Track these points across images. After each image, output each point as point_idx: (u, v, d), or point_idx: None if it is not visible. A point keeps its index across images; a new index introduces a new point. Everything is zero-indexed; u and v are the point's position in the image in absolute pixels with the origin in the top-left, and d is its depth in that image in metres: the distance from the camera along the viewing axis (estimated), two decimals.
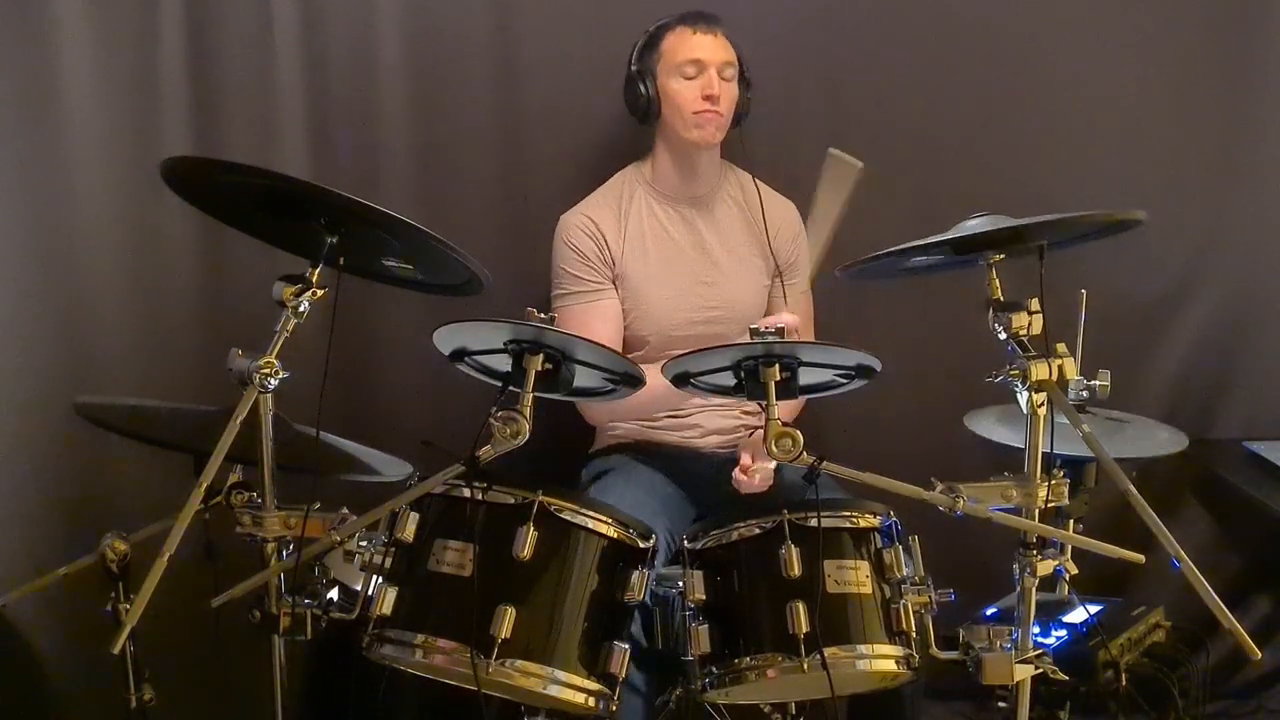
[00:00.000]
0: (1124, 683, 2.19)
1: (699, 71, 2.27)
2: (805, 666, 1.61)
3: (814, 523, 1.67)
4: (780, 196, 2.48)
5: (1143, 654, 2.32)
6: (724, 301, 2.37)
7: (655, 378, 1.69)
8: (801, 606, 1.63)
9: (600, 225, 2.34)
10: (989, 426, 2.23)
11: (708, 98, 2.26)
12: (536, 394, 1.57)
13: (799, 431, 1.57)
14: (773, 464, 2.15)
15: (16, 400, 2.37)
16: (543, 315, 1.58)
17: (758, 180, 2.43)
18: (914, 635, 1.69)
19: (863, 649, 1.66)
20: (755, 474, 2.16)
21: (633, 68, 2.33)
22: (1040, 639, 1.98)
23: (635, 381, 1.67)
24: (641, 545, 1.72)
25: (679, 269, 2.37)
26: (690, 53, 2.27)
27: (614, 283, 2.34)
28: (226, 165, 1.73)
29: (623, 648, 1.66)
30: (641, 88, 2.31)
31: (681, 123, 2.30)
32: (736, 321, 2.29)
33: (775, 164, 2.50)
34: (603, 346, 1.65)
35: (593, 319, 2.30)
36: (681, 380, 1.71)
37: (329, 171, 2.45)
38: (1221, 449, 2.75)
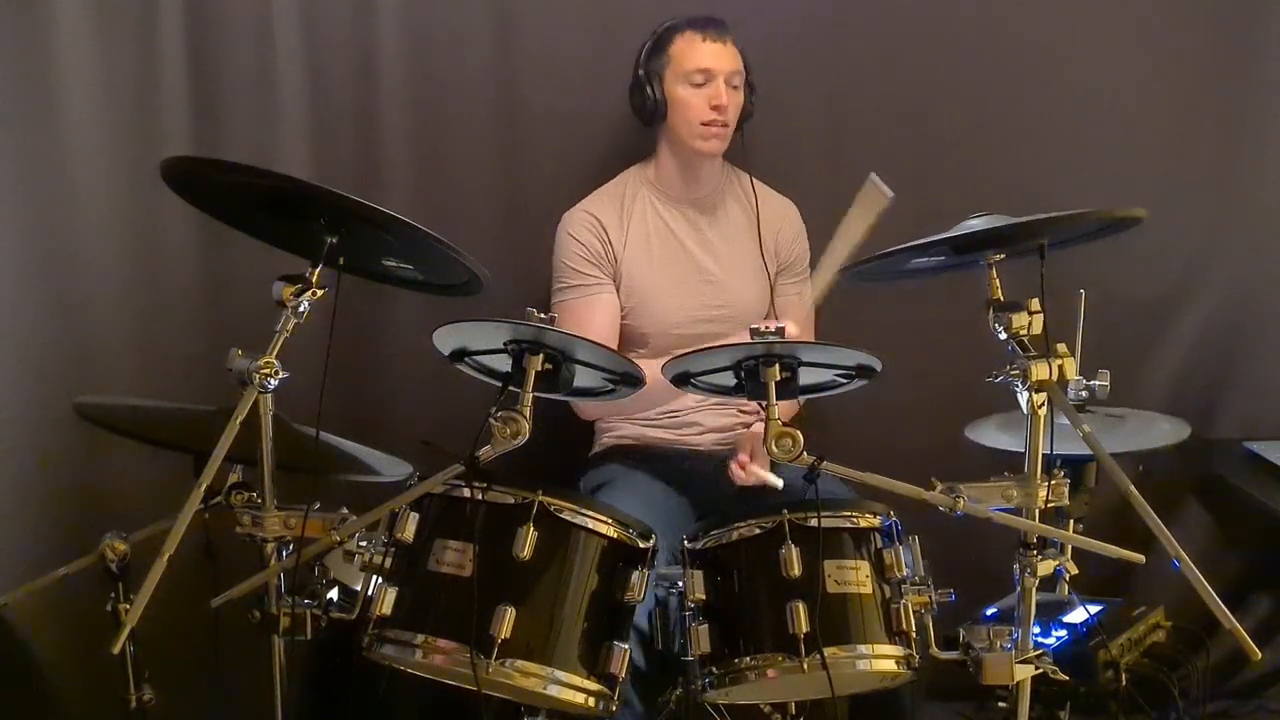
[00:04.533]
0: (1124, 683, 2.20)
1: (707, 80, 2.27)
2: (805, 666, 1.61)
3: (814, 523, 1.67)
4: (780, 196, 2.48)
5: (1143, 654, 2.33)
6: (727, 301, 2.37)
7: (649, 372, 1.69)
8: (802, 606, 1.62)
9: (603, 221, 2.35)
10: (990, 435, 2.23)
11: (715, 108, 2.26)
12: (536, 394, 1.57)
13: (799, 431, 1.57)
14: (768, 475, 2.16)
15: (16, 400, 2.37)
16: (543, 315, 1.58)
17: (755, 180, 2.43)
18: (914, 635, 1.69)
19: (863, 649, 1.66)
20: (750, 474, 2.17)
21: (640, 71, 2.33)
22: (1040, 639, 1.98)
23: (635, 381, 1.67)
24: (641, 545, 1.71)
25: (683, 268, 2.37)
26: (699, 61, 2.27)
27: (614, 278, 2.35)
28: (226, 165, 1.73)
29: (623, 648, 1.66)
30: (649, 91, 2.31)
31: (688, 131, 2.30)
32: (739, 321, 2.29)
33: (776, 164, 2.50)
34: (603, 346, 1.65)
35: (591, 313, 2.30)
36: (682, 380, 1.71)
37: (329, 171, 2.45)
38: (1221, 448, 2.75)
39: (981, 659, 1.70)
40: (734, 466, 2.21)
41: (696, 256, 2.39)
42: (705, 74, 2.27)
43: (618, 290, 2.35)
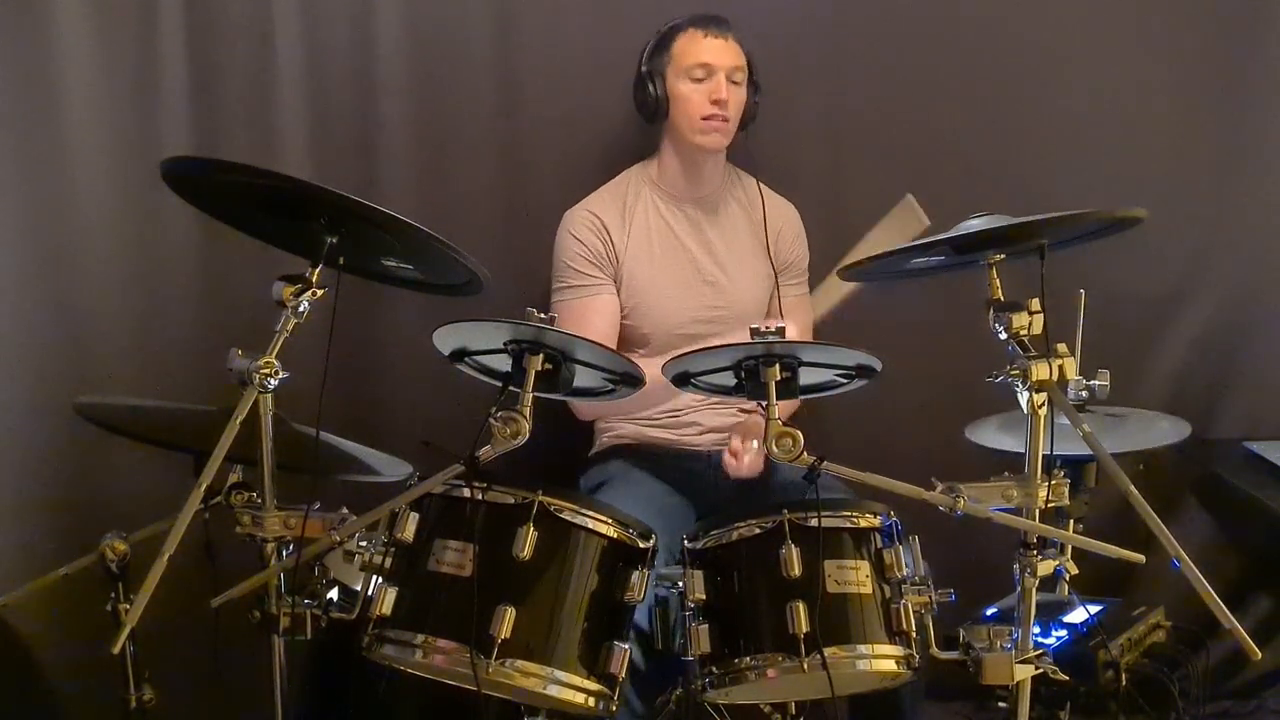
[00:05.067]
0: (1124, 683, 2.19)
1: (707, 75, 2.27)
2: (805, 666, 1.61)
3: (814, 522, 1.67)
4: (780, 198, 2.48)
5: (1143, 654, 2.32)
6: (727, 301, 2.37)
7: (649, 371, 1.69)
8: (802, 606, 1.62)
9: (604, 220, 2.35)
10: (991, 435, 2.22)
11: (715, 102, 2.27)
12: (536, 394, 1.57)
13: (799, 431, 1.57)
14: (757, 445, 2.16)
15: (16, 400, 2.37)
16: (543, 315, 1.58)
17: (761, 183, 2.44)
18: (914, 635, 1.68)
19: (863, 649, 1.66)
20: (745, 455, 2.17)
21: (643, 68, 2.33)
22: (1040, 639, 1.97)
23: (635, 381, 1.67)
24: (641, 545, 1.71)
25: (683, 268, 2.38)
26: (699, 56, 2.27)
27: (615, 279, 2.35)
28: (226, 165, 1.73)
29: (623, 648, 1.66)
30: (650, 88, 2.31)
31: (688, 126, 2.30)
32: (739, 321, 2.28)
33: (776, 164, 2.50)
34: (603, 347, 1.66)
35: (590, 314, 2.31)
36: (682, 380, 1.71)
37: (329, 171, 2.45)
38: (1221, 449, 2.75)
39: (981, 659, 1.70)
40: (727, 457, 2.22)
41: (697, 257, 2.39)
42: (705, 69, 2.27)
43: (618, 290, 2.35)
